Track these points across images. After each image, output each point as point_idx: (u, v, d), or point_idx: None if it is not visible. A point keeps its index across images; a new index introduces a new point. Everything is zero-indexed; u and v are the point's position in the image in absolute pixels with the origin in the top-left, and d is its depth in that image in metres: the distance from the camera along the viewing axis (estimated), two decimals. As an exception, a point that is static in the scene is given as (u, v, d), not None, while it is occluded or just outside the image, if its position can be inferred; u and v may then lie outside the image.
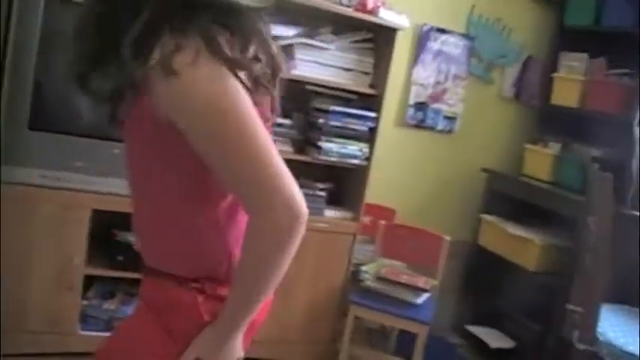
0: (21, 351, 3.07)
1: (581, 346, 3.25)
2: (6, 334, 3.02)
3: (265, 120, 1.31)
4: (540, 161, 4.18)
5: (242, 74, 1.25)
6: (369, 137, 3.57)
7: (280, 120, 3.31)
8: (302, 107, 3.57)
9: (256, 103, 1.26)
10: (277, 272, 1.29)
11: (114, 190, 3.04)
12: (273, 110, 1.40)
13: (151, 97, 1.23)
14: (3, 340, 2.99)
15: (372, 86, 3.60)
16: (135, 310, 1.55)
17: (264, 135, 1.24)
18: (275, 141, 1.29)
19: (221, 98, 1.22)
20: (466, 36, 4.26)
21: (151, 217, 1.42)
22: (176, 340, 1.39)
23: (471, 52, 4.29)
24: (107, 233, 3.21)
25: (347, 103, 3.56)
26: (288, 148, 3.46)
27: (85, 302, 3.21)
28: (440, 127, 4.28)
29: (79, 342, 3.16)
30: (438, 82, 4.21)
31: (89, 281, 3.23)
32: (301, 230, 1.26)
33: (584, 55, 4.11)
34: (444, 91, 4.24)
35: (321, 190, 3.58)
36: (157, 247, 1.44)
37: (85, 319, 3.21)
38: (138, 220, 1.46)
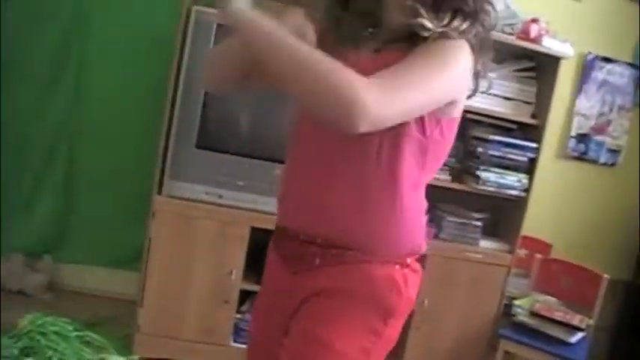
0: (176, 358, 3.21)
1: None
2: (164, 339, 3.18)
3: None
4: None
5: None
6: (529, 168, 3.48)
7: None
8: (461, 135, 3.51)
9: None
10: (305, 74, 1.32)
11: (273, 209, 3.11)
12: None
13: None
14: (161, 345, 3.17)
15: (533, 116, 3.52)
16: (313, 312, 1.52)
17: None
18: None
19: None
20: (633, 65, 4.08)
21: (360, 195, 1.47)
22: (390, 317, 1.50)
23: (638, 82, 4.10)
24: (264, 250, 3.29)
25: (507, 132, 3.50)
26: (446, 177, 3.43)
27: (238, 316, 3.31)
28: (602, 159, 4.12)
29: (231, 354, 3.26)
30: (601, 113, 4.06)
31: (244, 296, 3.33)
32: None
33: None
34: (608, 122, 4.08)
35: (478, 220, 3.53)
36: (363, 227, 1.48)
37: (238, 332, 3.31)
38: (335, 198, 1.47)
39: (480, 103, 3.41)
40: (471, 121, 3.47)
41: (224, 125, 3.22)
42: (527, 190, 3.49)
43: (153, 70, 3.49)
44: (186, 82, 3.07)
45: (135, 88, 3.59)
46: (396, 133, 1.42)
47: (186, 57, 3.06)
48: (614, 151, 4.13)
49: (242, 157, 3.17)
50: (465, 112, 3.61)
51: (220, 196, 3.16)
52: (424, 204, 1.57)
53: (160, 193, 3.12)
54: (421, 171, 1.50)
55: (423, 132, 1.45)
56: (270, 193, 3.15)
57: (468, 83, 1.50)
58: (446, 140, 1.53)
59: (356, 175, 1.46)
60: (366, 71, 1.33)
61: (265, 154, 3.15)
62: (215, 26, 3.04)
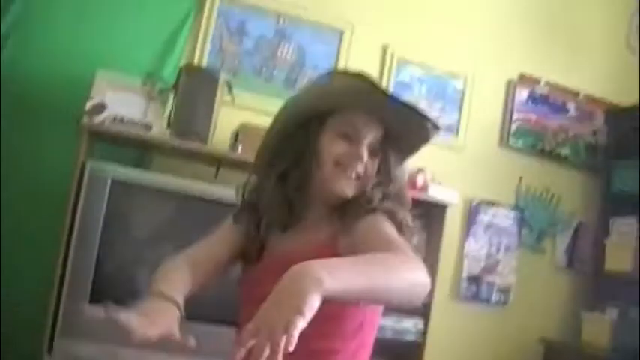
0: None
1: None
2: None
3: None
4: (598, 328, 4.08)
5: None
6: (424, 312, 3.55)
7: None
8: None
9: None
10: (397, 286, 1.35)
11: (170, 366, 3.06)
12: None
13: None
14: None
15: (424, 260, 3.62)
16: None
17: None
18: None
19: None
20: (515, 207, 4.32)
21: None
22: None
23: (522, 223, 4.32)
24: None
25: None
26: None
27: None
28: (494, 299, 4.24)
29: None
30: (489, 255, 4.23)
31: None
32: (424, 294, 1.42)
33: (634, 220, 4.13)
34: (497, 262, 4.24)
35: (376, 367, 3.53)
36: None
37: None
38: None
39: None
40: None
41: (119, 280, 3.15)
42: (424, 334, 3.54)
43: (45, 225, 3.43)
44: (79, 237, 3.02)
45: (27, 244, 3.50)
46: (373, 307, 1.65)
47: (79, 212, 3.03)
48: (504, 290, 4.27)
49: (138, 313, 3.11)
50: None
51: (115, 355, 3.06)
52: None
53: (50, 352, 3.00)
54: None
55: None
56: (167, 349, 3.07)
57: None
58: None
59: (330, 350, 1.59)
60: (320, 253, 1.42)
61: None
62: (110, 181, 3.04)
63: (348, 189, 1.66)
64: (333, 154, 1.66)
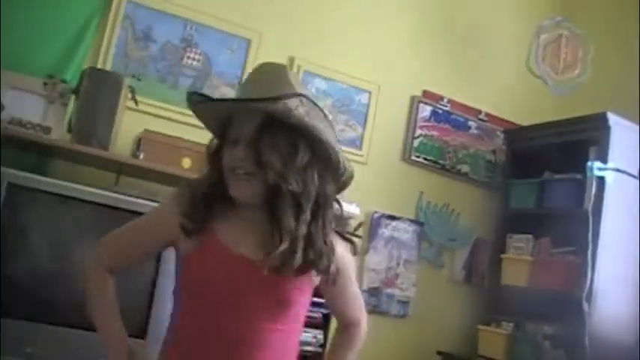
0: None
1: None
2: None
3: None
4: (494, 341, 4.19)
5: None
6: (323, 324, 3.56)
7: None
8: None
9: None
10: None
11: (63, 378, 2.97)
12: None
13: None
14: None
15: (325, 273, 3.65)
16: None
17: None
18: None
19: None
20: (416, 221, 4.40)
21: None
22: None
23: (421, 237, 4.41)
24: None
25: (301, 289, 3.59)
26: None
27: None
28: (394, 311, 4.31)
29: None
30: (390, 267, 4.29)
31: None
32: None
33: (529, 236, 4.27)
34: (397, 275, 4.31)
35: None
36: None
37: None
38: None
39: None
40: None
41: (15, 290, 3.01)
42: (322, 346, 3.55)
43: None
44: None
45: None
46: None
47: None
48: (404, 303, 4.34)
49: (28, 321, 2.99)
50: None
51: (5, 365, 2.95)
52: None
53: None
54: None
55: None
56: (60, 360, 2.99)
57: None
58: None
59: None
60: None
61: (54, 319, 3.00)
62: (5, 186, 2.92)
63: (239, 192, 1.75)
64: (226, 164, 1.75)
